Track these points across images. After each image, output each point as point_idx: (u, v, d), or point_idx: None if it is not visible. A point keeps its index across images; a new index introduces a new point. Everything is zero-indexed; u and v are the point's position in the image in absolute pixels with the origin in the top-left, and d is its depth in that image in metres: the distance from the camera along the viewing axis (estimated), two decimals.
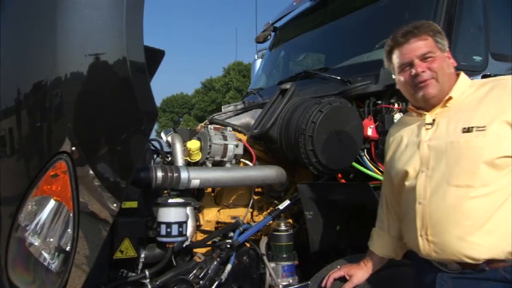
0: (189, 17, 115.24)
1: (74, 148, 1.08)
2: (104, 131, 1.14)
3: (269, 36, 3.79)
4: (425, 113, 1.36)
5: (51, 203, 1.13)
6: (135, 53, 1.11)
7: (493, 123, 1.19)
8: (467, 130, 1.21)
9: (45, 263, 1.17)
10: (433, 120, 1.33)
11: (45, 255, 1.16)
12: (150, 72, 2.05)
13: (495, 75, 2.12)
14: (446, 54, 1.35)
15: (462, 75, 1.36)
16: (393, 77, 1.46)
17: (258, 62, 4.07)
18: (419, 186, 1.29)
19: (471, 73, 2.17)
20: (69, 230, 1.14)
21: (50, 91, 1.12)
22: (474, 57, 2.22)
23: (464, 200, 1.19)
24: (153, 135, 2.52)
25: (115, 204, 1.12)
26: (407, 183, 1.36)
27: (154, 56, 1.72)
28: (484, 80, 1.35)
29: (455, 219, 1.20)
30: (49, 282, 1.19)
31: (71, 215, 1.13)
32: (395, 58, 1.37)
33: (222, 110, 3.14)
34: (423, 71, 1.29)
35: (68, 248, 1.15)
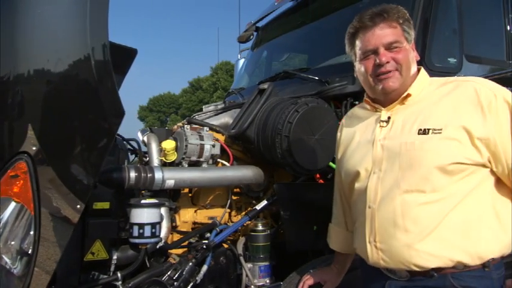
0: (177, 18, 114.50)
1: (34, 148, 1.05)
2: (66, 130, 1.11)
3: (252, 36, 3.79)
4: (382, 108, 1.29)
5: (12, 205, 1.09)
6: (99, 51, 1.08)
7: (449, 127, 1.12)
8: (424, 132, 1.15)
9: (7, 267, 1.14)
10: (389, 117, 1.25)
11: (6, 259, 1.13)
12: (122, 71, 2.05)
13: None
14: (412, 46, 1.27)
15: (422, 71, 1.30)
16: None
17: (241, 62, 4.07)
18: (370, 188, 1.22)
19: (446, 75, 2.21)
20: (31, 232, 1.11)
21: (11, 89, 1.08)
22: (449, 59, 2.25)
23: (414, 205, 1.13)
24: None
25: (78, 206, 1.10)
26: (358, 184, 1.28)
27: (127, 54, 1.69)
28: (444, 78, 1.27)
29: (404, 225, 1.14)
30: (11, 286, 1.16)
31: (32, 216, 1.09)
32: (359, 43, 1.26)
33: (203, 109, 3.13)
34: (387, 61, 1.20)
35: (29, 251, 1.12)
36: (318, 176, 2.24)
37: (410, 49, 1.26)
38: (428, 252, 1.12)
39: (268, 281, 2.01)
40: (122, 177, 1.70)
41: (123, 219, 1.75)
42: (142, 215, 1.69)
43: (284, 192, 2.03)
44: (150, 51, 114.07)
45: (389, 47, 1.22)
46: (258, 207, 2.13)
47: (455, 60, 2.26)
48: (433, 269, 1.13)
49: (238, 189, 2.32)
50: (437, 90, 1.23)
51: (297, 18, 3.10)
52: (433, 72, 2.15)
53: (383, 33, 1.22)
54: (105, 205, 1.67)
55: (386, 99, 1.28)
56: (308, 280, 1.55)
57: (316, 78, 2.34)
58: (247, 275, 2.00)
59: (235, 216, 2.33)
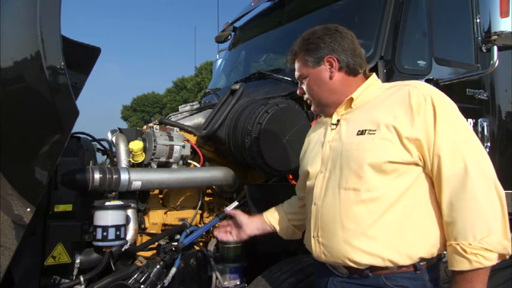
0: (160, 19, 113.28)
1: None
2: (15, 130, 1.06)
3: (229, 36, 3.77)
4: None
5: None
6: (52, 49, 1.04)
7: (381, 128, 1.18)
8: (361, 133, 1.21)
9: None
10: (338, 120, 1.33)
11: None
12: (85, 70, 2.00)
13: (437, 80, 2.21)
14: (322, 66, 1.31)
15: (372, 77, 1.36)
16: None
17: (220, 62, 4.04)
18: (317, 187, 1.29)
19: (415, 77, 2.24)
20: None
21: None
22: (418, 61, 2.29)
23: (351, 203, 1.18)
24: None
25: (29, 209, 1.06)
26: (308, 182, 1.36)
27: (90, 53, 1.65)
28: (392, 83, 1.33)
29: (342, 222, 1.19)
30: None
31: None
32: None
33: (179, 109, 3.09)
34: (302, 93, 1.37)
35: None
36: (290, 176, 2.25)
37: (319, 71, 1.33)
38: (362, 249, 1.16)
39: (238, 283, 1.99)
40: (85, 179, 1.66)
41: (87, 222, 1.71)
42: (107, 217, 1.65)
43: (254, 193, 2.02)
44: (134, 51, 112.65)
45: (301, 79, 1.37)
46: (229, 208, 2.11)
47: (424, 62, 2.30)
48: (367, 268, 1.17)
49: (210, 191, 2.30)
50: (382, 94, 1.29)
51: (273, 18, 3.10)
52: (402, 74, 2.19)
53: (295, 68, 1.38)
54: (68, 207, 1.62)
55: (326, 115, 1.40)
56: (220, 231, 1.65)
57: (289, 79, 2.34)
58: (217, 277, 1.98)
59: (207, 217, 2.31)
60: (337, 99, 1.33)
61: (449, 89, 2.18)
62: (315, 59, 1.31)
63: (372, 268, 1.16)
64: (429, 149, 1.15)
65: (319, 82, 1.32)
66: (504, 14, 1.88)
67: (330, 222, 1.22)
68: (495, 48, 1.95)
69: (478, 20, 2.45)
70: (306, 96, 1.38)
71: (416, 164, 1.17)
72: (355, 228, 1.17)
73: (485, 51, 2.02)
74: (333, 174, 1.25)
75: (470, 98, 2.46)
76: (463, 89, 2.43)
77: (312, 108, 1.41)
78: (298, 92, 1.36)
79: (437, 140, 1.14)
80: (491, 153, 2.46)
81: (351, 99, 1.31)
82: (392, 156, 1.15)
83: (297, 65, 1.35)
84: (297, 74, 1.35)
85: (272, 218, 1.60)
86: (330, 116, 1.36)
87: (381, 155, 1.15)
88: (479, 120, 2.44)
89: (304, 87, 1.36)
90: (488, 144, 2.45)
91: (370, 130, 1.19)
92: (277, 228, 1.58)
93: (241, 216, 1.62)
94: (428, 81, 2.21)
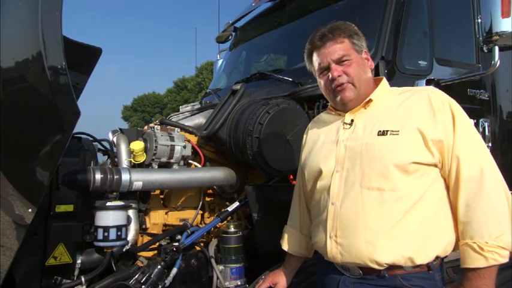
0: (162, 20, 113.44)
1: None
2: (17, 131, 1.06)
3: (230, 37, 3.78)
4: (344, 113, 1.37)
5: None
6: (53, 49, 1.04)
7: (405, 129, 1.21)
8: (383, 133, 1.22)
9: None
10: (352, 120, 1.33)
11: None
12: (87, 70, 2.00)
13: (438, 80, 2.21)
14: (364, 56, 1.36)
15: (384, 80, 1.39)
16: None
17: (220, 62, 4.04)
18: (334, 186, 1.28)
19: (416, 77, 2.24)
20: None
21: None
22: (419, 62, 2.29)
23: (375, 203, 1.19)
24: None
25: (30, 209, 1.06)
26: (321, 182, 1.34)
27: (91, 54, 1.65)
28: (402, 88, 1.37)
29: (365, 222, 1.19)
30: None
31: None
32: (315, 61, 1.38)
33: (180, 110, 3.09)
34: (339, 75, 1.30)
35: None
36: (291, 177, 2.24)
37: (362, 59, 1.35)
38: (385, 249, 1.17)
39: (239, 283, 1.99)
40: (86, 179, 1.66)
41: (88, 222, 1.71)
42: (108, 218, 1.64)
43: (255, 194, 2.02)
44: (134, 51, 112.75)
45: (339, 61, 1.31)
46: (230, 208, 2.11)
47: (425, 63, 2.30)
48: (385, 269, 1.18)
49: (211, 191, 2.30)
50: (396, 98, 1.32)
51: (274, 19, 3.10)
52: (403, 75, 2.19)
53: (332, 50, 1.32)
54: (69, 208, 1.62)
55: (346, 108, 1.36)
56: (260, 286, 1.58)
57: (290, 79, 2.34)
58: (218, 278, 1.99)
59: (208, 218, 2.30)
60: (366, 93, 1.33)
61: (450, 89, 2.18)
62: (359, 46, 1.34)
63: (390, 267, 1.18)
64: (448, 151, 1.19)
65: (363, 69, 1.33)
66: (505, 14, 1.88)
67: (350, 222, 1.22)
68: (496, 48, 1.95)
69: (479, 20, 2.45)
70: (341, 79, 1.30)
71: (436, 166, 1.22)
72: (378, 228, 1.18)
73: (486, 51, 2.02)
74: (352, 173, 1.25)
75: (471, 98, 2.46)
76: (464, 89, 2.43)
77: (339, 98, 1.32)
78: (335, 74, 1.29)
79: (456, 143, 1.19)
80: (492, 154, 2.45)
81: (370, 101, 1.32)
82: (417, 157, 1.18)
83: (338, 46, 1.31)
84: (339, 53, 1.30)
85: (297, 248, 1.56)
86: (346, 111, 1.36)
87: (407, 156, 1.18)
88: (481, 120, 2.44)
89: (343, 68, 1.30)
90: (490, 144, 2.45)
91: (393, 131, 1.21)
92: (307, 253, 1.56)
93: (279, 277, 1.58)
94: (429, 81, 2.20)
